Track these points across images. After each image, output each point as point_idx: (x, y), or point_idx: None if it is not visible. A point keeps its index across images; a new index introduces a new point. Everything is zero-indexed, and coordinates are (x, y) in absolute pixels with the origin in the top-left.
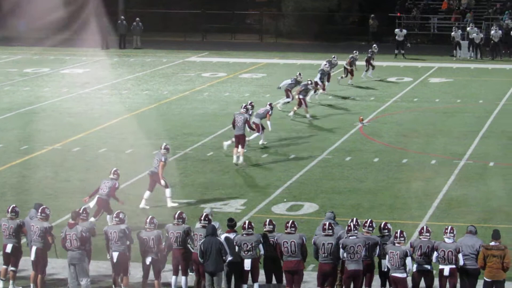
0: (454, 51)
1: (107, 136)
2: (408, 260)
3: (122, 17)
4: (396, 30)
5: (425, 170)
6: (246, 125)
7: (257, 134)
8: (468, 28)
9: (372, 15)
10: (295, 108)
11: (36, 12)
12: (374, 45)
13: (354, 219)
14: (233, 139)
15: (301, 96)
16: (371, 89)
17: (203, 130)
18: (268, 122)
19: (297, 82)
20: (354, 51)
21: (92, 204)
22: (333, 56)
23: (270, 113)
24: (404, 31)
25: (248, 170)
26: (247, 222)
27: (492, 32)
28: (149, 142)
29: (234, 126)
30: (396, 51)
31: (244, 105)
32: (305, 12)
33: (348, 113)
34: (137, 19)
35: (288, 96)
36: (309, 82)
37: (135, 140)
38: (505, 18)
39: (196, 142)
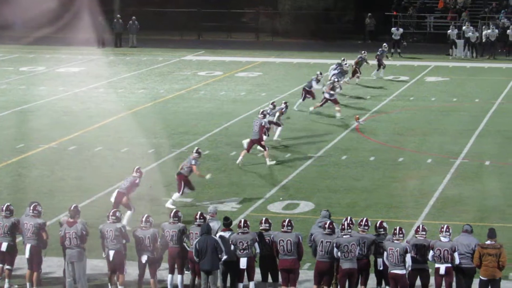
0: (450, 50)
1: (103, 134)
2: (408, 256)
3: (118, 15)
4: (393, 29)
5: (421, 169)
6: (260, 130)
7: (280, 128)
8: (463, 27)
9: (369, 14)
10: (337, 108)
11: (29, 4)
12: (385, 44)
13: (349, 218)
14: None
15: (330, 97)
16: (368, 88)
17: (199, 128)
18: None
19: (317, 81)
20: (363, 51)
21: (112, 198)
22: (342, 58)
23: (283, 110)
24: (401, 30)
25: (244, 168)
26: (242, 220)
27: (489, 31)
28: (145, 141)
29: None
30: (392, 50)
31: (262, 110)
32: (301, 10)
33: (344, 112)
34: (133, 17)
35: (303, 97)
36: (336, 80)
37: (131, 138)
38: (501, 17)
39: (192, 141)
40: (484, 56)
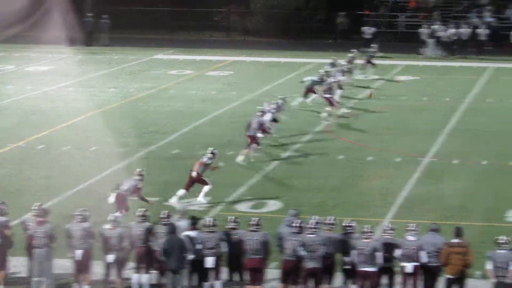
0: (421, 49)
1: (72, 133)
2: (379, 254)
3: (89, 14)
4: (364, 28)
5: (389, 168)
6: (257, 128)
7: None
8: (434, 26)
9: (343, 13)
10: (328, 109)
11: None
12: (372, 44)
13: (315, 217)
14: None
15: (327, 96)
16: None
17: (169, 128)
18: (282, 116)
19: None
20: (353, 50)
21: (111, 199)
22: (334, 57)
23: (281, 107)
24: (373, 29)
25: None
26: (210, 219)
27: (461, 30)
28: (114, 140)
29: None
30: (362, 49)
31: (260, 108)
32: (272, 9)
33: (314, 111)
34: (104, 16)
35: (311, 92)
36: (334, 81)
37: (99, 137)
38: (473, 17)
39: (161, 140)
40: (455, 55)
